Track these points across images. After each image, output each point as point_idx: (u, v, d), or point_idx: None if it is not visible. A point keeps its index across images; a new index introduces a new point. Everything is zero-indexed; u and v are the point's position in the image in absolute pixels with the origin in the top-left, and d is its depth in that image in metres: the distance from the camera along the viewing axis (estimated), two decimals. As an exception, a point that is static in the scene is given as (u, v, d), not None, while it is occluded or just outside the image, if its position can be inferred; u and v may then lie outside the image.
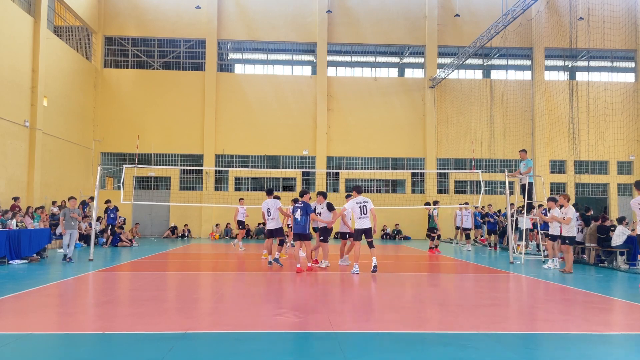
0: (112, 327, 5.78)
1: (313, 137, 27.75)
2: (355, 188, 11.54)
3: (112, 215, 19.26)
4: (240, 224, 17.92)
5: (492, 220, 20.85)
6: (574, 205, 14.00)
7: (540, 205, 17.48)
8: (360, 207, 11.13)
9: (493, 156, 27.69)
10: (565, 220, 11.76)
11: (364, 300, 7.96)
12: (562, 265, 12.57)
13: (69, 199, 13.86)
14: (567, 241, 11.84)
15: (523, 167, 14.67)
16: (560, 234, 12.13)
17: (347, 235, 12.79)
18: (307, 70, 28.92)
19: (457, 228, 20.11)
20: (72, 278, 9.96)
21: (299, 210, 11.35)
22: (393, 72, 29.35)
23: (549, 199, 12.96)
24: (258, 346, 5.09)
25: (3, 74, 18.60)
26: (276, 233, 12.59)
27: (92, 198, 20.95)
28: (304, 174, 27.88)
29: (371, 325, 6.05)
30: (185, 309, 6.89)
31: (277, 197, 12.85)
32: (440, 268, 12.91)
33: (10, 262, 12.19)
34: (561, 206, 12.27)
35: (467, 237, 19.60)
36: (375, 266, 10.96)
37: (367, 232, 11.11)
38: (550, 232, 12.87)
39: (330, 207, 12.39)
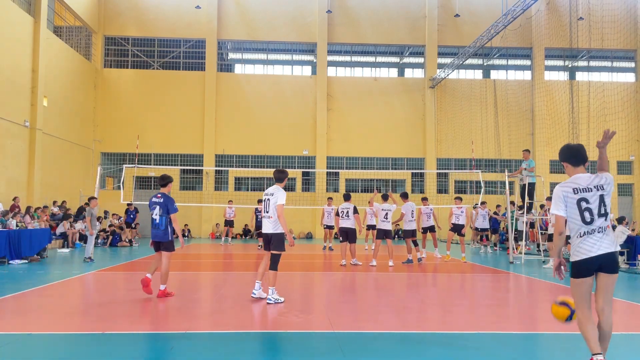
0: (112, 327, 5.77)
1: (313, 137, 27.74)
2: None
3: (132, 216, 20.70)
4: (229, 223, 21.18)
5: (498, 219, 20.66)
6: None
7: (541, 206, 17.46)
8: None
9: (493, 156, 27.68)
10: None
11: (364, 301, 7.96)
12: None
13: (90, 199, 13.64)
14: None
15: (526, 168, 14.65)
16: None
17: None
18: (307, 70, 28.92)
19: (477, 229, 18.80)
20: (72, 278, 9.96)
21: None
22: (393, 72, 29.34)
23: (549, 198, 12.96)
24: (258, 346, 5.09)
25: (3, 74, 18.59)
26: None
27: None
28: (304, 173, 27.87)
29: (371, 325, 6.05)
30: (185, 309, 6.89)
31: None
32: (440, 268, 12.90)
33: (10, 262, 12.19)
34: None
35: (481, 238, 19.24)
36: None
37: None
38: (549, 232, 12.88)
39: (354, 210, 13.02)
